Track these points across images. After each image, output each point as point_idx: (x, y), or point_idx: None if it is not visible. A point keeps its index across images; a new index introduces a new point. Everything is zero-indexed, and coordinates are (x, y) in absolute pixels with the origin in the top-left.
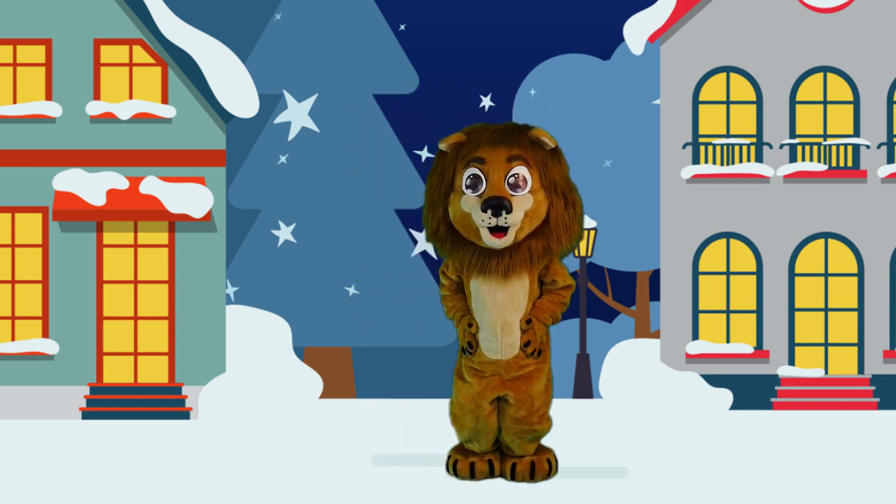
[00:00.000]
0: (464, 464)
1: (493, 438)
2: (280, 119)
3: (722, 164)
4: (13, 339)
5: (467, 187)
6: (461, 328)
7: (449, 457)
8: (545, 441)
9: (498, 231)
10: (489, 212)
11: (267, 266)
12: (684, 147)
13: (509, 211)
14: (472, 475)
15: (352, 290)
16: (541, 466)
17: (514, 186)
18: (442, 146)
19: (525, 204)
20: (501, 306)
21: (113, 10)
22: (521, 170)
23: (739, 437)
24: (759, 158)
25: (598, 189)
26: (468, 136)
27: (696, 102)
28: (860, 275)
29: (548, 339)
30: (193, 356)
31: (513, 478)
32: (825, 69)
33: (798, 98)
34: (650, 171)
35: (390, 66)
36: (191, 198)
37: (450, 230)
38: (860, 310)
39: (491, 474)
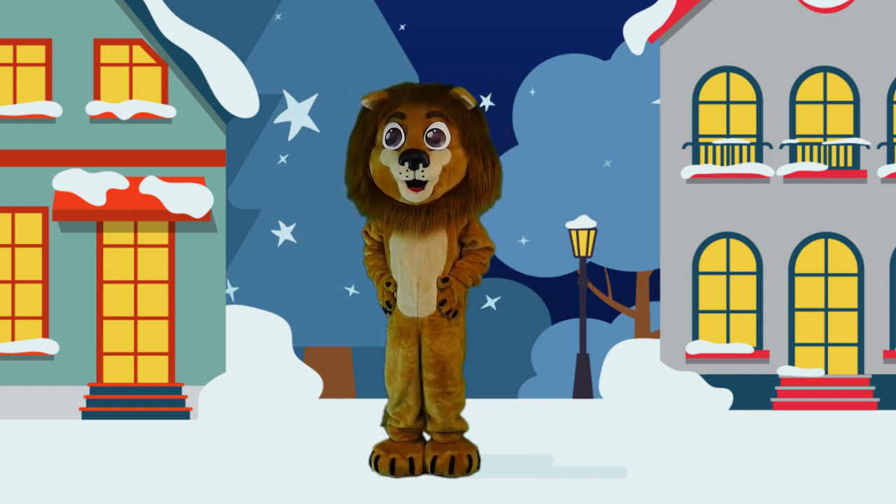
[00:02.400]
0: (385, 460)
1: (419, 405)
2: (280, 119)
3: (722, 164)
4: (13, 339)
5: (387, 141)
6: (380, 287)
7: (372, 452)
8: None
9: (415, 185)
10: (407, 164)
11: (267, 266)
12: (684, 147)
13: (426, 164)
14: (392, 472)
15: (352, 290)
16: (460, 462)
17: (433, 141)
18: (364, 102)
19: (443, 159)
20: (418, 263)
21: (113, 10)
22: (440, 125)
23: (739, 437)
24: (759, 158)
25: (598, 189)
26: (390, 92)
27: (696, 102)
28: (860, 275)
29: (465, 300)
30: (193, 356)
31: (433, 471)
32: (825, 69)
33: (798, 98)
34: (650, 171)
35: (390, 66)
36: (191, 198)
37: (370, 187)
38: (860, 310)
39: (411, 472)
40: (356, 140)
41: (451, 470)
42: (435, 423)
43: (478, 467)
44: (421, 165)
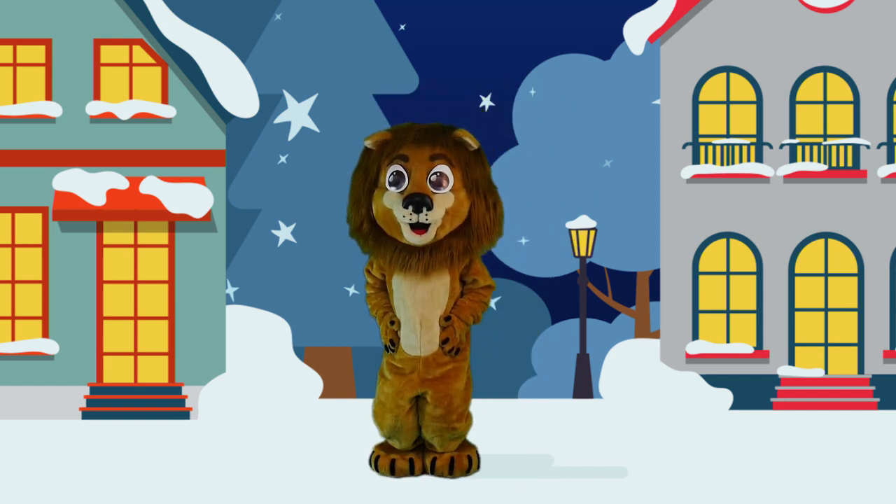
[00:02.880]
0: (385, 460)
1: (412, 437)
2: (280, 119)
3: (722, 164)
4: (13, 339)
5: (390, 184)
6: (383, 325)
7: (372, 452)
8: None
9: (419, 228)
10: (410, 208)
11: (267, 266)
12: (684, 147)
13: (430, 208)
14: (393, 472)
15: (352, 290)
16: (460, 463)
17: (436, 184)
18: (367, 143)
19: (446, 202)
20: (421, 303)
21: (113, 10)
22: (443, 168)
23: (739, 437)
24: (759, 158)
25: (598, 189)
26: (393, 134)
27: (696, 102)
28: (860, 275)
29: (468, 338)
30: (193, 356)
31: (433, 471)
32: (825, 69)
33: (798, 98)
34: (650, 171)
35: (390, 66)
36: (191, 198)
37: (373, 227)
38: (860, 310)
39: (411, 472)
40: (359, 180)
41: (451, 470)
42: (435, 449)
43: (477, 467)
44: (424, 209)
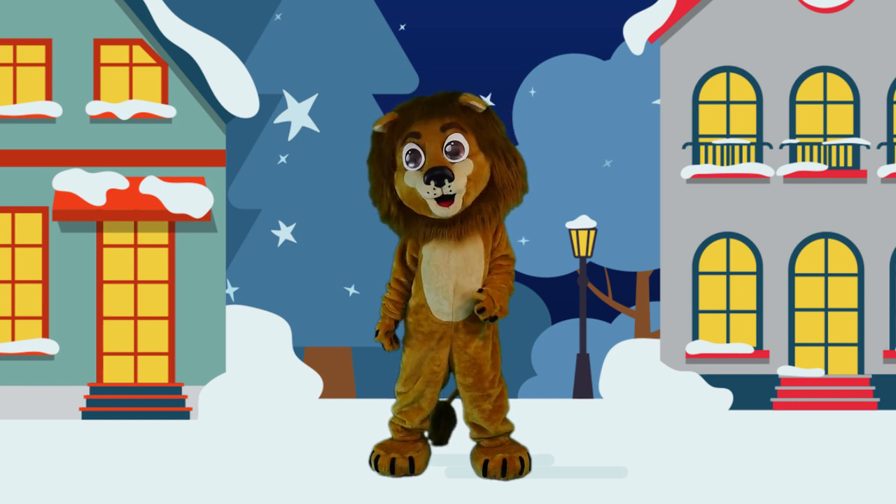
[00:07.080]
0: (385, 460)
1: (428, 410)
2: (280, 119)
3: (722, 164)
4: (13, 339)
5: (407, 163)
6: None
7: (372, 452)
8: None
9: (444, 200)
10: (432, 183)
11: (267, 266)
12: (684, 147)
13: (451, 179)
14: (393, 472)
15: (352, 290)
16: (512, 464)
17: (453, 154)
18: (376, 128)
19: (466, 169)
20: (455, 270)
21: (113, 10)
22: (456, 136)
23: (739, 437)
24: (759, 158)
25: (598, 189)
26: (400, 113)
27: (696, 102)
28: (860, 275)
29: (506, 306)
30: (193, 356)
31: (484, 475)
32: (825, 69)
33: (798, 98)
34: (650, 171)
35: (390, 66)
36: (191, 198)
37: (400, 208)
38: (860, 310)
39: (411, 472)
40: (376, 166)
41: (504, 473)
42: (483, 431)
43: (529, 468)
44: (446, 181)
